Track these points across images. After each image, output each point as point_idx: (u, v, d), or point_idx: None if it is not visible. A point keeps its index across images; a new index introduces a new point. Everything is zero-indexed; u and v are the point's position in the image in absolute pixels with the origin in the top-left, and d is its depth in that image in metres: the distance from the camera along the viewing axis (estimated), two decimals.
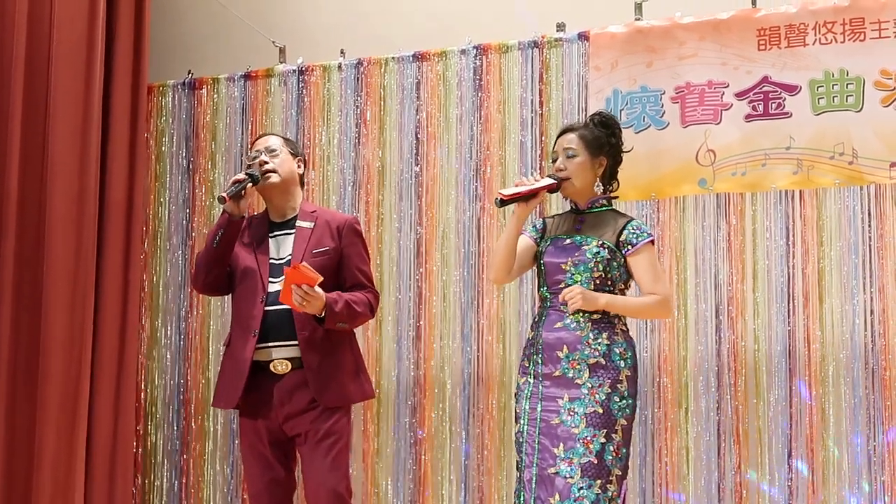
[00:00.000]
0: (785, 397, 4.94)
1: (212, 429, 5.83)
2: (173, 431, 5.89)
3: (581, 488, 3.79)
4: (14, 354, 5.23)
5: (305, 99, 5.81)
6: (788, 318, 4.98)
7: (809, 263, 4.97)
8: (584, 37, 5.30)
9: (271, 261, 4.19)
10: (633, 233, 4.00)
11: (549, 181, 4.02)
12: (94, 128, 5.51)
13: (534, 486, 3.86)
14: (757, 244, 5.05)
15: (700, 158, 5.05)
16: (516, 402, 4.01)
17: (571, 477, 3.80)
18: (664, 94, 5.13)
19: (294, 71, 5.84)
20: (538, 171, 5.24)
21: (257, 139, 4.43)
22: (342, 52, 5.78)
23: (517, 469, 3.96)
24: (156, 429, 5.93)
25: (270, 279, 4.14)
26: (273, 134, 4.57)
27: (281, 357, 4.09)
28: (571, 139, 4.07)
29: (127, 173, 5.76)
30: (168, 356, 5.94)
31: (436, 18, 5.77)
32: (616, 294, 4.01)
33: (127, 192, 5.75)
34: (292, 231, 4.23)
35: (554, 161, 4.10)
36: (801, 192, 4.98)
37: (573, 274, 3.96)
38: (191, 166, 6.02)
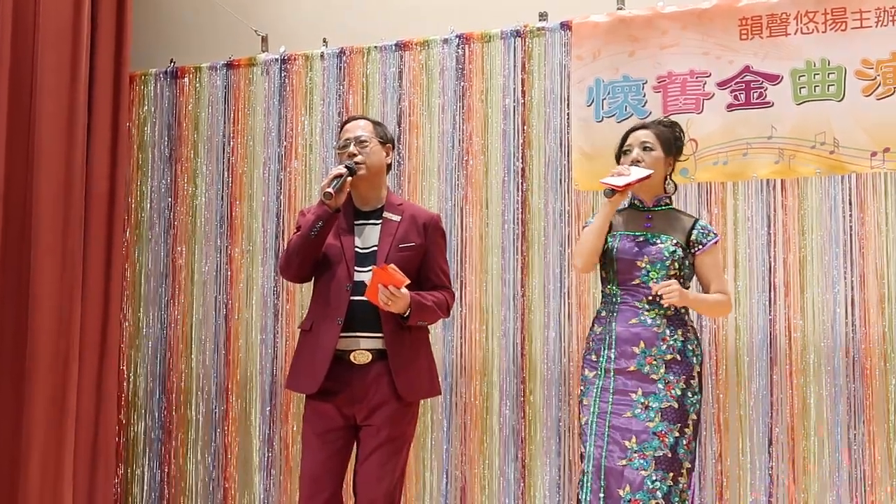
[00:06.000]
0: (766, 387, 4.95)
1: (193, 418, 5.83)
2: (155, 421, 5.89)
3: (655, 480, 3.87)
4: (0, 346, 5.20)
5: (287, 88, 5.80)
6: (769, 307, 4.99)
7: (791, 253, 4.98)
8: (566, 26, 5.31)
9: (357, 249, 4.12)
10: (702, 233, 4.09)
11: (647, 171, 4.04)
12: (79, 118, 5.47)
13: (602, 476, 3.92)
14: (738, 233, 5.06)
15: None
16: (584, 395, 4.05)
17: (644, 469, 3.88)
18: (646, 83, 5.14)
19: (276, 60, 5.83)
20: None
21: (347, 122, 4.29)
22: (324, 41, 5.77)
23: (581, 460, 4.01)
24: (138, 418, 5.92)
25: (356, 268, 4.09)
26: (363, 118, 4.34)
27: (365, 347, 4.03)
28: (647, 134, 4.13)
29: (109, 163, 5.73)
30: (150, 346, 5.94)
31: (418, 7, 5.75)
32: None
33: (109, 182, 5.71)
34: (378, 221, 4.17)
35: (626, 153, 4.12)
36: (782, 181, 4.99)
37: (649, 271, 4.03)
38: (173, 155, 6.01)
